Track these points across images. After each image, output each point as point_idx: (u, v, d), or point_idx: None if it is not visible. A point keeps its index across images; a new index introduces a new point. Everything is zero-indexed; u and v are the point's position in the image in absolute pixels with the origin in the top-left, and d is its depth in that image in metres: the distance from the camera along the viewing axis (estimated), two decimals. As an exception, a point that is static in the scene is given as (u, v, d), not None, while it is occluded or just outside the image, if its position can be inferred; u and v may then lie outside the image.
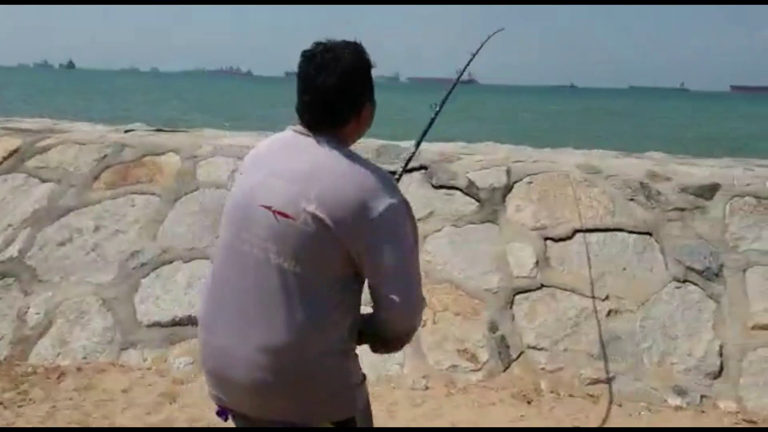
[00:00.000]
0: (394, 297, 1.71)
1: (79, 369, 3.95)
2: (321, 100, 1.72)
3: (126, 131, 5.73)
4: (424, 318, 4.10)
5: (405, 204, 1.73)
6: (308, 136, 1.75)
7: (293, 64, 1.80)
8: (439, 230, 4.44)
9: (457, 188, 4.61)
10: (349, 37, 1.79)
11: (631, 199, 4.44)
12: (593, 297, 4.02)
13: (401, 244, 1.71)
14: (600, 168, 4.69)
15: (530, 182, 4.61)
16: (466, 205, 4.53)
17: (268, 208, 1.68)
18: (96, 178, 5.01)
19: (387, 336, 1.82)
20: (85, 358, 4.06)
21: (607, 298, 4.00)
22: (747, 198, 4.33)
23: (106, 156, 5.13)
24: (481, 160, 4.81)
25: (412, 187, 4.59)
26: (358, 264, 1.70)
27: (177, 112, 34.09)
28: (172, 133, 5.80)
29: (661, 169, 4.68)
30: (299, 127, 1.79)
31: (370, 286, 1.76)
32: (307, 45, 1.78)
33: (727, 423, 3.37)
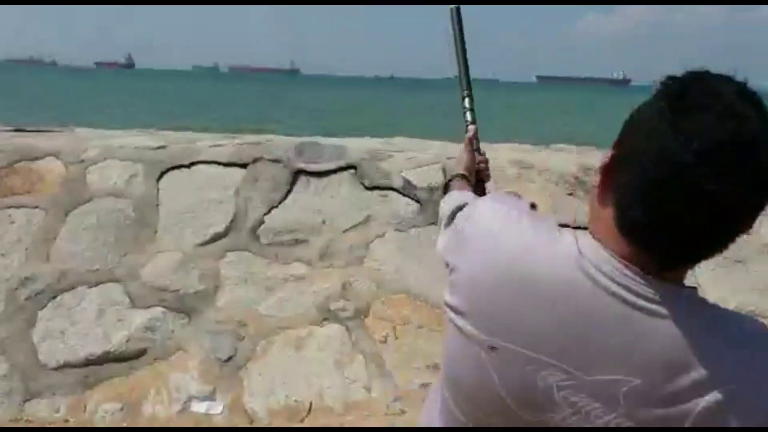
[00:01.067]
0: None
1: (-27, 431, 3.19)
2: (715, 222, 0.90)
3: (-21, 132, 4.80)
4: (384, 334, 3.75)
5: None
6: (648, 285, 0.94)
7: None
8: (382, 235, 4.10)
9: (392, 189, 4.28)
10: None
11: (570, 194, 4.36)
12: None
13: None
14: (532, 163, 4.58)
15: (468, 180, 4.39)
16: (406, 206, 4.22)
17: None
18: (-45, 190, 4.12)
19: None
20: (-23, 416, 3.29)
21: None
22: (679, 189, 4.40)
23: (-36, 163, 4.24)
24: (413, 158, 4.51)
25: (343, 189, 4.22)
26: None
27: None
28: (39, 133, 4.93)
29: (590, 161, 4.65)
30: (613, 261, 0.96)
31: None
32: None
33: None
